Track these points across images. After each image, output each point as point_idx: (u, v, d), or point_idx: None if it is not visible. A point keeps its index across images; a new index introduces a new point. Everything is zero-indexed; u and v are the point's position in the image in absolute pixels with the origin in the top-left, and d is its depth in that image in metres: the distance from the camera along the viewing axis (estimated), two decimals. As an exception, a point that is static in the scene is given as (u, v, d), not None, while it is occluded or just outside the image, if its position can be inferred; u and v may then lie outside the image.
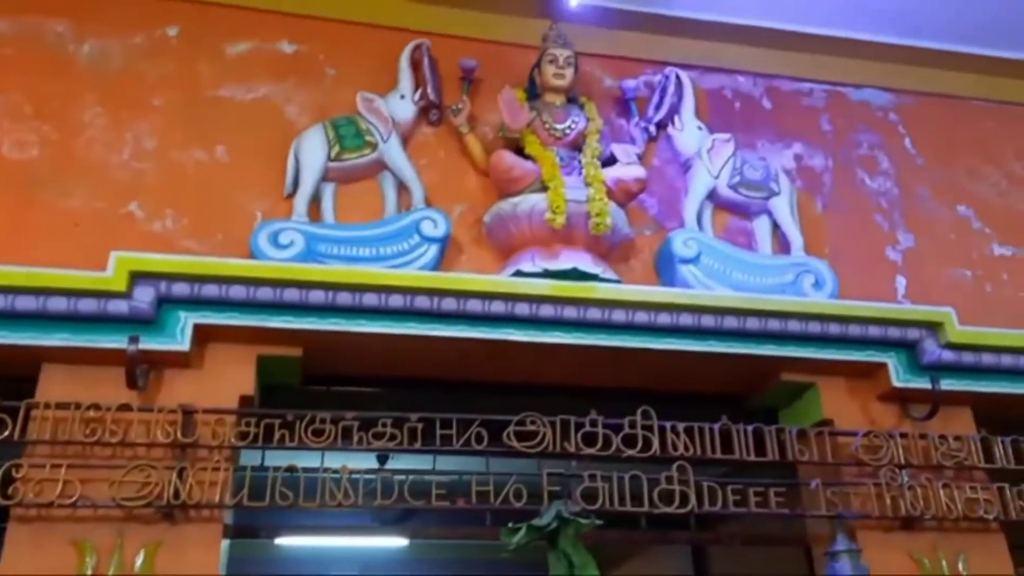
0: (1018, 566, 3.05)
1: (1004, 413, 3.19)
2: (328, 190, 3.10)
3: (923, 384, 3.09)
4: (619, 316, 2.96)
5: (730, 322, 3.02)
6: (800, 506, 2.95)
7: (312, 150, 3.07)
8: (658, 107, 3.55)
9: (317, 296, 2.73)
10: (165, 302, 2.66)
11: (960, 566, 2.92)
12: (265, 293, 2.69)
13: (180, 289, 2.65)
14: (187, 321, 2.66)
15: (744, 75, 3.79)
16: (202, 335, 2.71)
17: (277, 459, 2.64)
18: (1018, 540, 3.08)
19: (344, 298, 2.75)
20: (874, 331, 3.09)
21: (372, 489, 2.66)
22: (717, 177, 3.43)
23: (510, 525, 2.57)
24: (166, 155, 3.06)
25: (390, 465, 2.76)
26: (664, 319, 2.99)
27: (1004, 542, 3.04)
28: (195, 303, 2.67)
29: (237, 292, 2.68)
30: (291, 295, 2.71)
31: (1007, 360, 3.16)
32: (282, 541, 7.36)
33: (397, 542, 7.52)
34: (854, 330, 3.07)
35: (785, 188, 3.47)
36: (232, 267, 2.69)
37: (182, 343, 2.63)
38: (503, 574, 3.67)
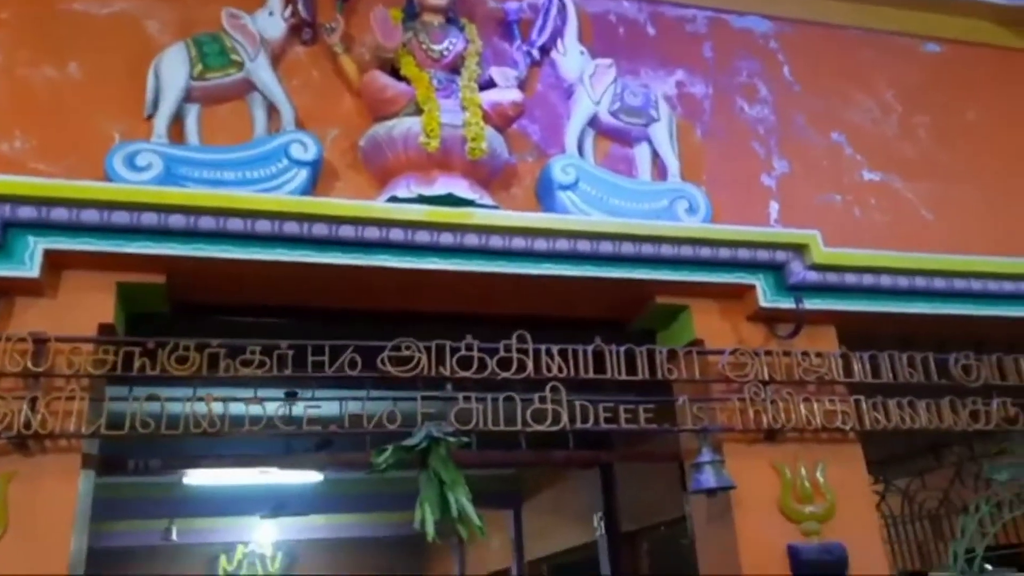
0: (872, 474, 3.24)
1: (865, 330, 3.33)
2: (192, 111, 2.96)
3: (789, 304, 3.20)
4: (496, 242, 2.96)
5: (605, 247, 3.05)
6: (674, 424, 3.05)
7: (173, 69, 2.92)
8: (541, 30, 3.49)
9: (178, 220, 2.63)
10: (11, 226, 2.53)
11: (818, 474, 3.08)
12: (121, 217, 2.58)
13: (27, 213, 2.52)
14: (36, 247, 2.54)
15: (629, 0, 3.76)
16: (55, 261, 2.59)
17: (158, 391, 2.57)
18: (875, 454, 3.26)
19: (207, 223, 2.66)
20: (743, 254, 3.17)
21: (241, 419, 2.63)
22: (599, 103, 3.42)
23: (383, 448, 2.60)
24: (12, 72, 2.87)
25: (262, 394, 2.73)
26: (541, 244, 3.00)
27: (860, 451, 3.20)
28: (44, 227, 2.55)
29: (90, 216, 2.56)
30: (149, 219, 2.61)
31: (868, 280, 3.28)
32: (190, 481, 7.31)
33: (311, 477, 7.53)
34: (724, 253, 3.15)
35: (664, 115, 3.48)
36: (83, 189, 2.57)
37: (31, 270, 2.52)
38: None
